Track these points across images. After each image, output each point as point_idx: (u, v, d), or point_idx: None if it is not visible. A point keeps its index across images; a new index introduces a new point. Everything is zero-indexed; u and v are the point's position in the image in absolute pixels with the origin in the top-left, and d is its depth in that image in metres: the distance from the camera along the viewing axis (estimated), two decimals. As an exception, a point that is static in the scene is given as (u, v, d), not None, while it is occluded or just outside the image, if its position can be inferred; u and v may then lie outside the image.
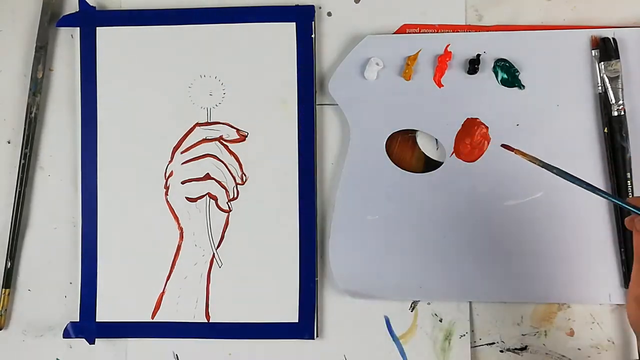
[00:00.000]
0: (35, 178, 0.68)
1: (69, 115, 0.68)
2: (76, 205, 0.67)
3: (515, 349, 0.64)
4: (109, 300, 0.66)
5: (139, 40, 0.67)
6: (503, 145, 0.56)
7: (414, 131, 0.65)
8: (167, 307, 0.66)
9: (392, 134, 0.65)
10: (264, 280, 0.65)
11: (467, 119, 0.64)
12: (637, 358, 0.58)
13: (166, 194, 0.66)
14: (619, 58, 0.62)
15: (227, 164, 0.66)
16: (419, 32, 0.65)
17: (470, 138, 0.64)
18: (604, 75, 0.62)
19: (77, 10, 0.67)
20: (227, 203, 0.66)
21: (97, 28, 0.67)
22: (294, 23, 0.66)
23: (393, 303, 0.65)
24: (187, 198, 0.66)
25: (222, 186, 0.66)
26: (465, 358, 0.64)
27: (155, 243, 0.66)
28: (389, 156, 0.65)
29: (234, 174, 0.66)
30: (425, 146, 0.65)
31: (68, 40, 0.68)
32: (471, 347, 0.64)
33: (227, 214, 0.66)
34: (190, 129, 0.66)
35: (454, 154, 0.64)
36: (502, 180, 0.64)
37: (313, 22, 0.66)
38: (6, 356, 0.67)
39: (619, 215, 0.62)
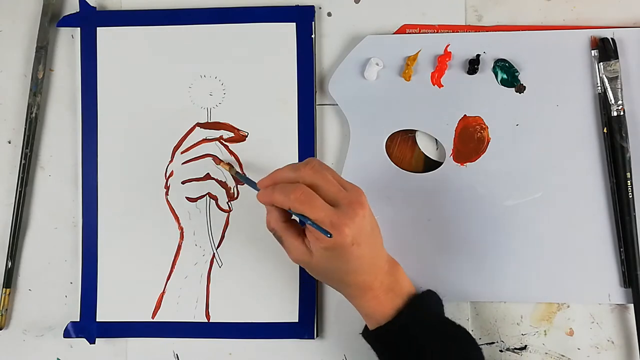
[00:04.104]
0: (35, 178, 0.68)
1: (70, 115, 0.68)
2: (76, 205, 0.67)
3: (515, 348, 0.64)
4: (109, 300, 0.66)
5: (139, 40, 0.67)
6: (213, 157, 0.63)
7: (413, 131, 0.65)
8: (168, 307, 0.66)
9: (392, 134, 0.65)
10: (264, 280, 0.65)
11: (464, 116, 0.64)
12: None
13: (166, 194, 0.66)
14: (618, 58, 0.62)
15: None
16: (419, 32, 0.65)
17: (469, 138, 0.64)
18: (604, 76, 0.62)
19: (78, 10, 0.67)
20: (227, 203, 0.66)
21: (98, 28, 0.67)
22: (294, 23, 0.66)
23: (393, 303, 0.65)
24: (187, 198, 0.66)
25: (222, 186, 0.66)
26: (465, 358, 0.64)
27: (156, 243, 0.66)
28: (389, 156, 0.65)
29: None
30: (425, 146, 0.65)
31: (68, 41, 0.68)
32: (471, 346, 0.64)
33: (227, 214, 0.66)
34: (191, 129, 0.66)
35: (452, 156, 0.64)
36: (502, 180, 0.64)
37: (313, 22, 0.66)
38: (6, 356, 0.68)
39: (619, 216, 0.62)
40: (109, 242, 0.66)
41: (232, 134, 0.66)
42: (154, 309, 0.66)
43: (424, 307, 0.58)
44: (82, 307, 0.66)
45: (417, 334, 0.56)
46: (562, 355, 0.64)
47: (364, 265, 0.55)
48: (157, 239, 0.66)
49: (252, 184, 0.59)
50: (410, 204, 0.64)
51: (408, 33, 0.66)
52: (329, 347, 0.65)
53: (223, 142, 0.66)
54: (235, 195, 0.66)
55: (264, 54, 0.66)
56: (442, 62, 0.64)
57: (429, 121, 0.64)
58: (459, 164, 0.64)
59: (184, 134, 0.66)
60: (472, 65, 0.64)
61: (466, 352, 0.57)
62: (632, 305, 0.62)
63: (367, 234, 0.54)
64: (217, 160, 0.65)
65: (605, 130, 0.63)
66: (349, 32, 0.66)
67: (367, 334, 0.59)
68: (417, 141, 0.66)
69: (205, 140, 0.66)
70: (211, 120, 0.66)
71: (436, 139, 0.65)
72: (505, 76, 0.64)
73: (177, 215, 0.66)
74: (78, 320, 0.66)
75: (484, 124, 0.64)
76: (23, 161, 0.67)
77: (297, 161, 0.65)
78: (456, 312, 0.64)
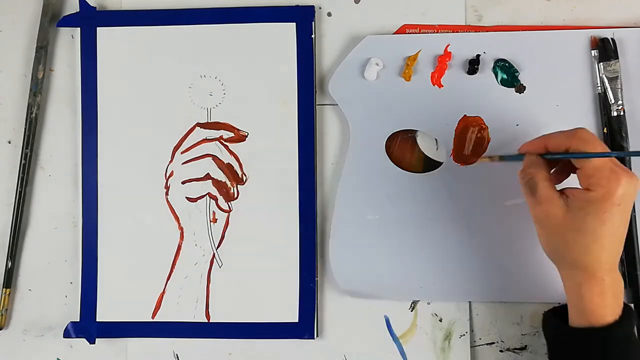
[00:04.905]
0: (35, 178, 0.68)
1: (70, 115, 0.68)
2: (76, 205, 0.67)
3: (515, 348, 0.64)
4: (109, 300, 0.66)
5: (139, 40, 0.67)
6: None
7: (414, 131, 0.65)
8: (168, 307, 0.66)
9: (392, 134, 0.65)
10: (264, 280, 0.65)
11: (464, 116, 0.64)
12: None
13: (166, 194, 0.66)
14: (618, 58, 0.62)
15: (227, 164, 0.66)
16: (419, 32, 0.65)
17: (468, 137, 0.64)
18: (604, 76, 0.62)
19: (78, 10, 0.67)
20: (227, 203, 0.66)
21: (98, 28, 0.67)
22: (294, 23, 0.66)
23: (393, 303, 0.65)
24: (187, 198, 0.66)
25: (222, 186, 0.66)
26: (465, 358, 0.64)
27: (156, 243, 0.66)
28: (389, 156, 0.65)
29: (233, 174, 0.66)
30: (425, 146, 0.65)
31: (68, 41, 0.68)
32: (471, 346, 0.64)
33: (227, 214, 0.66)
34: (191, 129, 0.66)
35: (452, 156, 0.64)
36: (502, 180, 0.64)
37: (313, 22, 0.66)
38: (7, 356, 0.68)
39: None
40: (109, 242, 0.66)
41: (232, 134, 0.66)
42: (154, 309, 0.66)
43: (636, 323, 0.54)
44: (82, 307, 0.66)
45: (630, 347, 0.52)
46: (562, 355, 0.64)
47: (613, 236, 0.52)
48: (157, 239, 0.66)
49: (518, 157, 0.57)
50: (410, 204, 0.64)
51: (408, 33, 0.66)
52: (329, 347, 0.65)
53: (223, 142, 0.66)
54: (235, 195, 0.66)
55: (264, 54, 0.66)
56: (442, 62, 0.64)
57: (429, 121, 0.64)
58: (459, 164, 0.64)
59: (184, 134, 0.66)
60: (472, 65, 0.64)
61: None
62: (632, 306, 0.62)
63: (629, 204, 0.52)
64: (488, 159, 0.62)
65: (605, 130, 0.63)
66: (349, 32, 0.66)
67: (567, 329, 0.54)
68: (417, 141, 0.66)
69: (205, 140, 0.66)
70: (211, 120, 0.66)
71: (436, 139, 0.65)
72: (505, 76, 0.64)
73: (177, 215, 0.66)
74: (78, 320, 0.66)
75: (484, 124, 0.64)
76: (23, 161, 0.67)
77: (296, 161, 0.65)
78: (456, 312, 0.64)
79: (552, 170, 0.56)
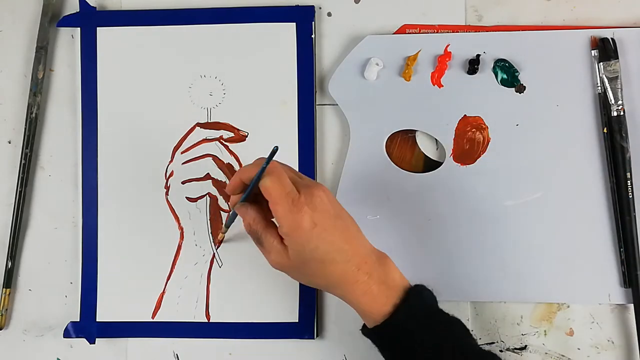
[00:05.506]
0: (35, 178, 0.68)
1: (70, 115, 0.68)
2: (76, 205, 0.67)
3: (515, 348, 0.64)
4: (109, 300, 0.66)
5: (139, 40, 0.67)
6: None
7: (413, 131, 0.65)
8: (168, 307, 0.66)
9: (392, 134, 0.65)
10: (264, 280, 0.65)
11: (464, 116, 0.64)
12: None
13: (167, 194, 0.66)
14: (618, 58, 0.62)
15: (227, 164, 0.66)
16: (419, 32, 0.65)
17: (466, 137, 0.64)
18: (604, 76, 0.62)
19: (78, 10, 0.67)
20: (227, 203, 0.66)
21: (98, 28, 0.67)
22: (294, 23, 0.66)
23: (393, 303, 0.65)
24: (187, 198, 0.66)
25: (222, 186, 0.66)
26: (465, 358, 0.64)
27: (156, 243, 0.66)
28: (389, 156, 0.65)
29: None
30: (425, 146, 0.65)
31: (68, 41, 0.68)
32: (471, 346, 0.64)
33: (227, 214, 0.66)
34: (191, 129, 0.66)
35: (452, 156, 0.64)
36: (502, 180, 0.64)
37: (313, 23, 0.66)
38: (7, 356, 0.68)
39: (619, 216, 0.62)
40: (109, 242, 0.66)
41: (232, 134, 0.66)
42: (154, 309, 0.66)
43: (420, 300, 0.56)
44: (82, 307, 0.66)
45: (415, 328, 0.54)
46: (562, 355, 0.64)
47: (338, 251, 0.53)
48: (157, 239, 0.66)
49: (232, 216, 0.59)
50: (410, 204, 0.64)
51: (408, 33, 0.66)
52: (329, 347, 0.65)
53: (223, 142, 0.66)
54: (235, 195, 0.66)
55: (264, 54, 0.66)
56: (442, 62, 0.64)
57: (429, 121, 0.64)
58: (459, 164, 0.64)
59: (184, 134, 0.66)
60: (472, 65, 0.64)
61: (462, 339, 0.56)
62: (632, 305, 0.62)
63: (331, 217, 0.53)
64: (220, 236, 0.65)
65: (605, 130, 0.63)
66: (349, 32, 0.66)
67: (366, 331, 0.57)
68: (417, 141, 0.66)
69: (205, 140, 0.66)
70: (211, 120, 0.66)
71: (436, 139, 0.65)
72: (505, 76, 0.64)
73: (177, 215, 0.66)
74: (78, 320, 0.66)
75: (484, 124, 0.64)
76: (23, 161, 0.67)
77: (296, 161, 0.65)
78: (456, 312, 0.64)
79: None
